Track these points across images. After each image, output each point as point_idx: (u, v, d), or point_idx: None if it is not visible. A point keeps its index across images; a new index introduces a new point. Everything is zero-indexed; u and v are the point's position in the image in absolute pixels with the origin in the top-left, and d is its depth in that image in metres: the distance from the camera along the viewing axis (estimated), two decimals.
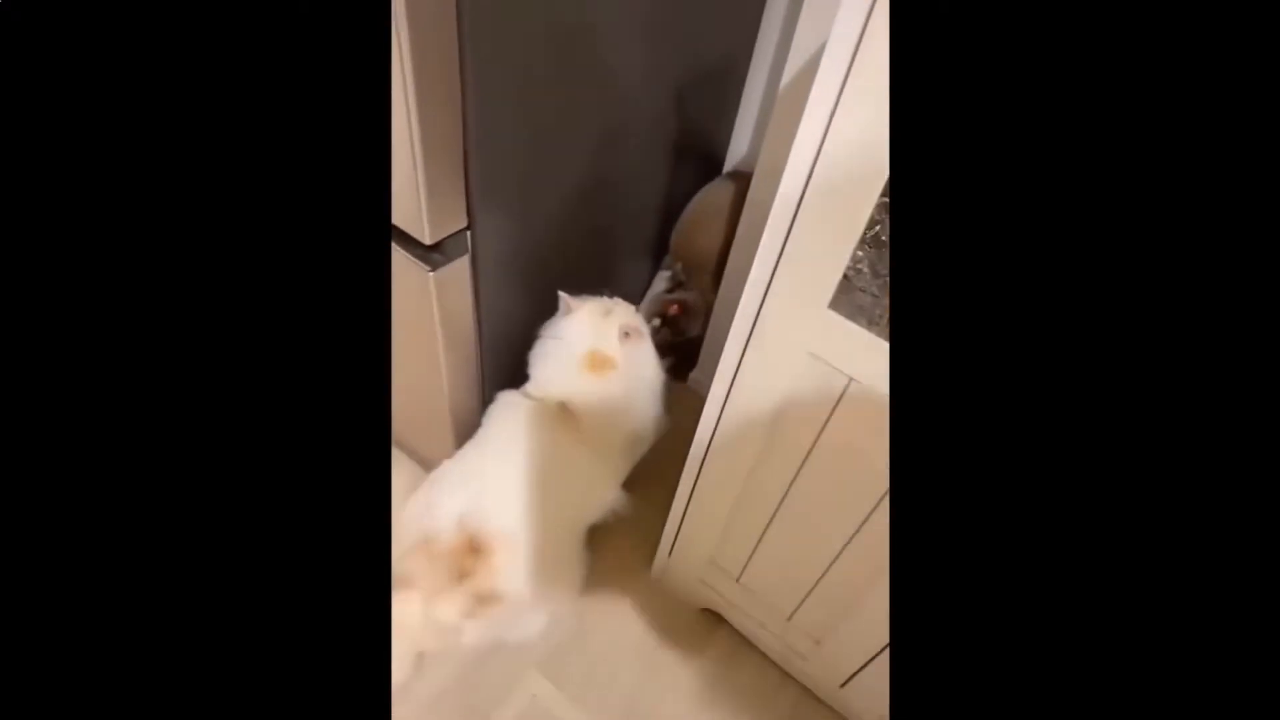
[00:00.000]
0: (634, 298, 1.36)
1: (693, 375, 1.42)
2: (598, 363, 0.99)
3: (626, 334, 1.00)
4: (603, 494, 1.06)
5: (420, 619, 0.92)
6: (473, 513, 0.92)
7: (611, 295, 1.06)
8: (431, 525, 0.93)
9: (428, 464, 1.16)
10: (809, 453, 0.77)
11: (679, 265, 1.29)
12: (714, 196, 1.27)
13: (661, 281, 1.32)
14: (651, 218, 1.27)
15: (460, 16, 0.67)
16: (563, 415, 1.00)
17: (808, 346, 0.68)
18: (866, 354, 0.64)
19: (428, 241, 0.81)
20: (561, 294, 1.01)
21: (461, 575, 0.90)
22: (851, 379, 0.67)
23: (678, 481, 0.97)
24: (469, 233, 0.86)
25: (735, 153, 1.36)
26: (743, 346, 0.74)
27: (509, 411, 1.01)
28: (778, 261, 0.65)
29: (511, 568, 0.92)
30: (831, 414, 0.72)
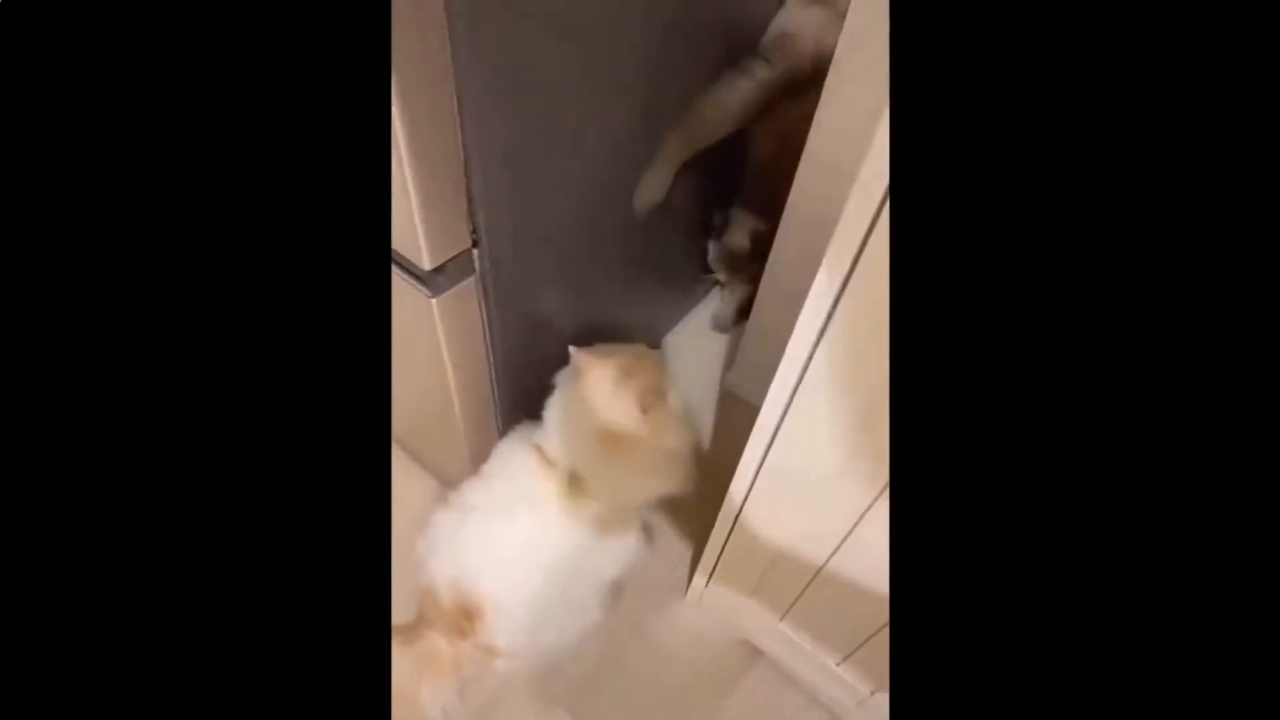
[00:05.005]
0: (690, 269, 1.25)
1: (730, 377, 1.32)
2: (614, 440, 0.85)
3: (647, 405, 0.84)
4: (611, 565, 0.95)
5: (450, 652, 0.90)
6: (463, 576, 0.85)
7: (636, 341, 0.93)
8: (429, 579, 0.88)
9: (448, 480, 1.09)
10: (870, 507, 0.67)
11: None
12: None
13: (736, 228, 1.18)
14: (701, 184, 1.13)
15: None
16: (572, 484, 0.88)
17: (867, 393, 0.57)
18: None
19: (427, 266, 0.71)
20: (573, 350, 0.87)
21: (460, 633, 0.86)
22: None
23: (717, 500, 0.87)
24: (475, 252, 0.75)
25: None
26: (791, 391, 0.64)
27: (513, 466, 0.90)
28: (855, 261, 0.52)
29: (506, 631, 0.87)
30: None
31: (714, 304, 1.40)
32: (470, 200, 0.70)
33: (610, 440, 0.85)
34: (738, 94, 0.97)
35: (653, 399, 0.84)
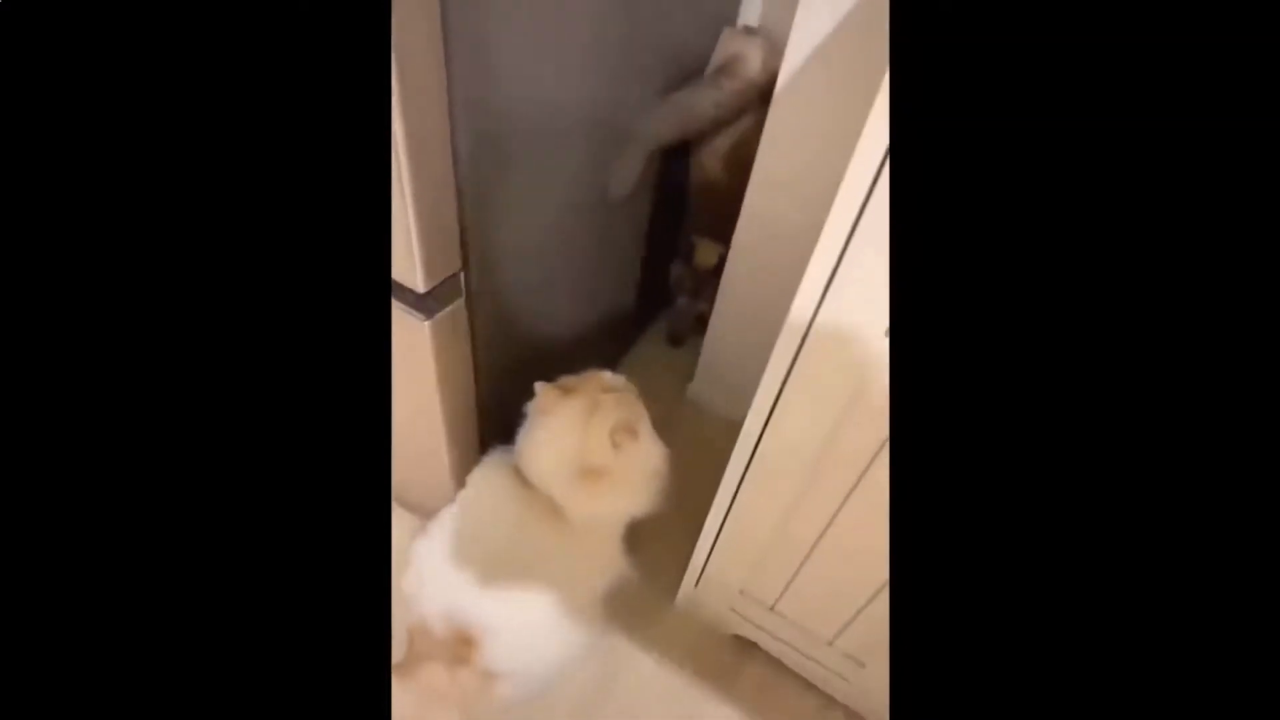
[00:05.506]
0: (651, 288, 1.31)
1: (692, 388, 1.37)
2: (587, 475, 0.86)
3: (618, 440, 0.85)
4: (598, 579, 0.97)
5: (450, 682, 0.88)
6: (454, 604, 0.86)
7: (602, 369, 0.94)
8: (420, 614, 0.89)
9: (425, 512, 1.08)
10: (858, 481, 0.72)
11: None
12: None
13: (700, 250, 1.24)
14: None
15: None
16: (550, 508, 0.89)
17: (861, 376, 0.63)
18: None
19: (421, 290, 0.73)
20: (539, 387, 0.87)
21: (459, 661, 0.86)
22: None
23: (692, 508, 0.90)
24: (463, 274, 0.78)
25: None
26: (783, 377, 0.69)
27: (492, 491, 0.91)
28: (828, 284, 0.59)
29: (504, 654, 0.87)
30: (884, 444, 0.67)
31: (669, 320, 1.45)
32: (462, 220, 0.73)
33: (584, 474, 0.86)
34: (709, 96, 1.04)
35: (623, 435, 0.86)
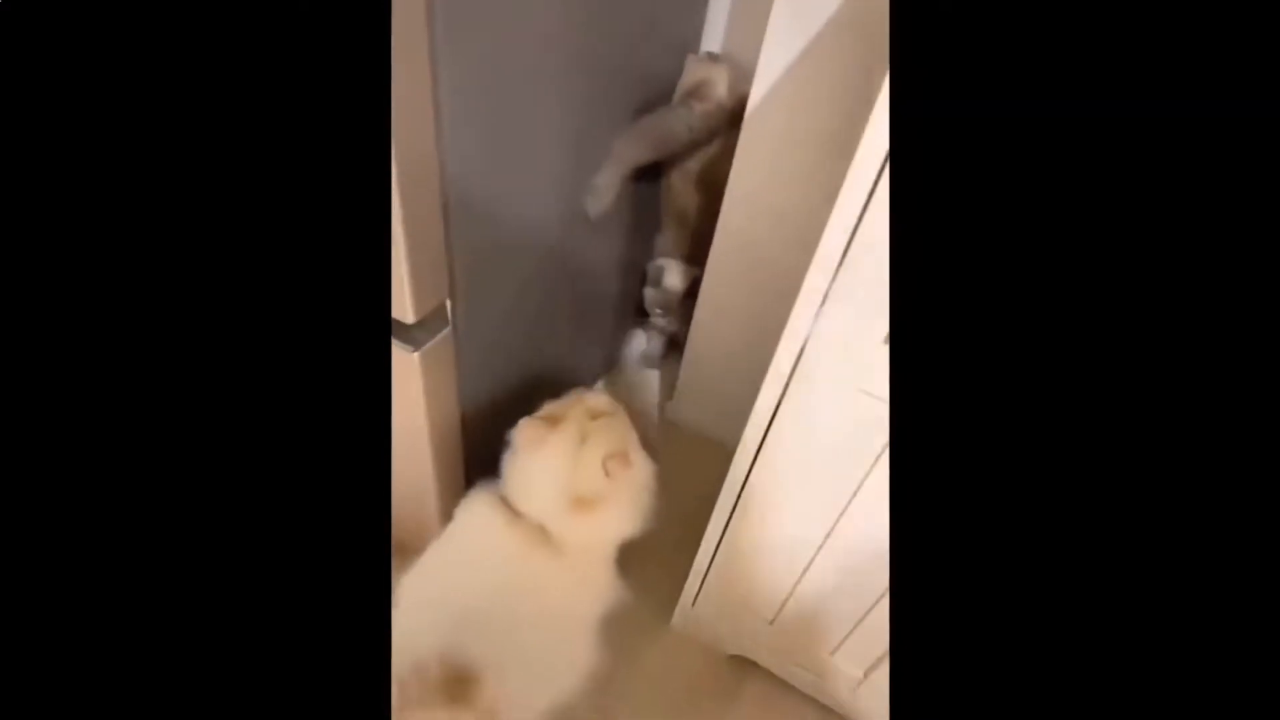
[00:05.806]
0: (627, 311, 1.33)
1: (671, 408, 1.37)
2: (581, 505, 0.85)
3: (610, 468, 0.84)
4: (593, 605, 0.95)
5: None
6: (450, 645, 0.83)
7: (588, 388, 0.93)
8: (416, 652, 0.85)
9: (412, 548, 1.06)
10: (858, 489, 0.73)
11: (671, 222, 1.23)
12: None
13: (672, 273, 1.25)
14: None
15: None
16: (540, 536, 0.87)
17: (860, 384, 0.64)
18: None
19: (411, 320, 0.72)
20: (523, 423, 0.85)
21: (458, 701, 0.83)
22: None
23: (680, 525, 0.89)
24: (448, 302, 0.77)
25: None
26: (782, 387, 0.70)
27: (480, 524, 0.88)
28: (827, 293, 0.60)
29: (503, 690, 0.84)
30: (884, 451, 0.68)
31: (640, 342, 1.46)
32: (449, 249, 0.72)
33: (577, 504, 0.85)
34: (682, 118, 1.06)
35: (615, 463, 0.84)
